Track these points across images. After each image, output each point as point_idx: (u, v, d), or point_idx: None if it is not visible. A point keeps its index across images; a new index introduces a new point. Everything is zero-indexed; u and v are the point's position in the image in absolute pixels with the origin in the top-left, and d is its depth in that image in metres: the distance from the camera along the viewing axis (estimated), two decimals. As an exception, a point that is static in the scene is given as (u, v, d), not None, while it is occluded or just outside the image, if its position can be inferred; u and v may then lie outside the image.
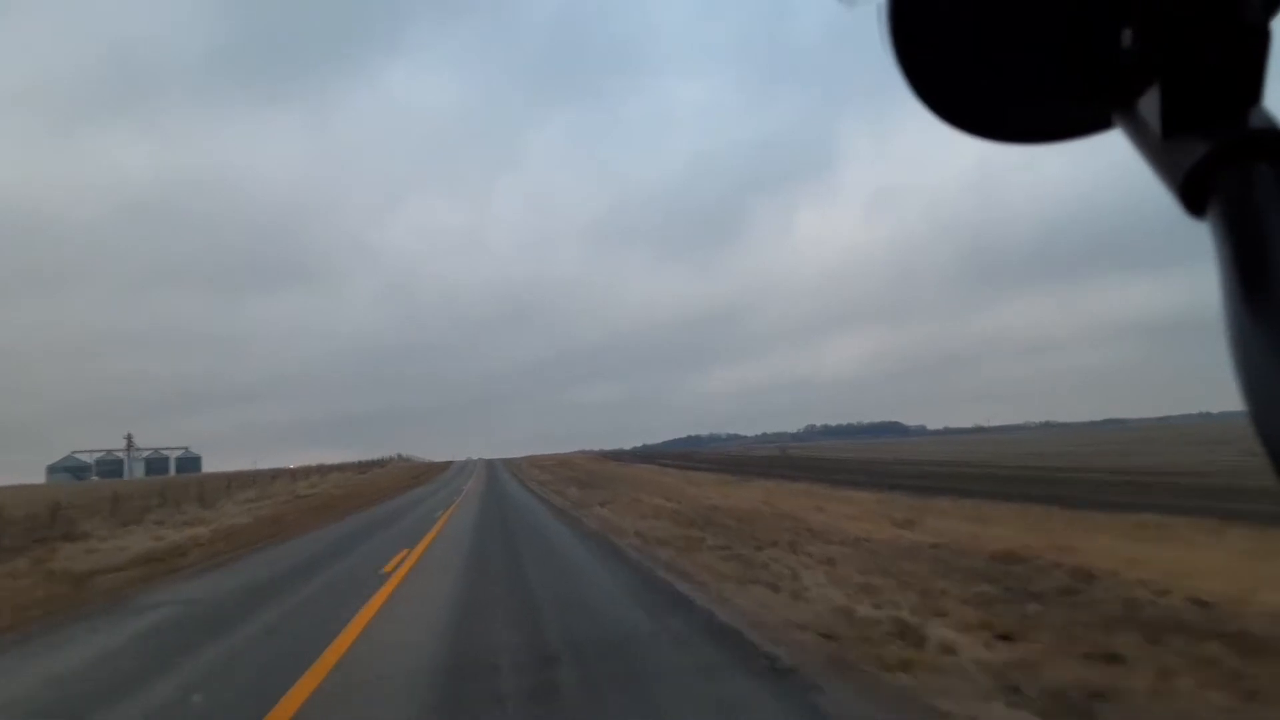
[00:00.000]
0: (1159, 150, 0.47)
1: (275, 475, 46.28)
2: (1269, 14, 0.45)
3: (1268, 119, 0.45)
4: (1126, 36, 0.48)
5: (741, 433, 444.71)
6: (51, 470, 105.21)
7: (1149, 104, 0.47)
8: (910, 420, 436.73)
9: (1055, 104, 0.54)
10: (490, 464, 74.47)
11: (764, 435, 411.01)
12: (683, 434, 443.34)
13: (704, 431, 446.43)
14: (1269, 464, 0.39)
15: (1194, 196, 0.45)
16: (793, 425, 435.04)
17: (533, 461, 78.95)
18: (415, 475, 54.16)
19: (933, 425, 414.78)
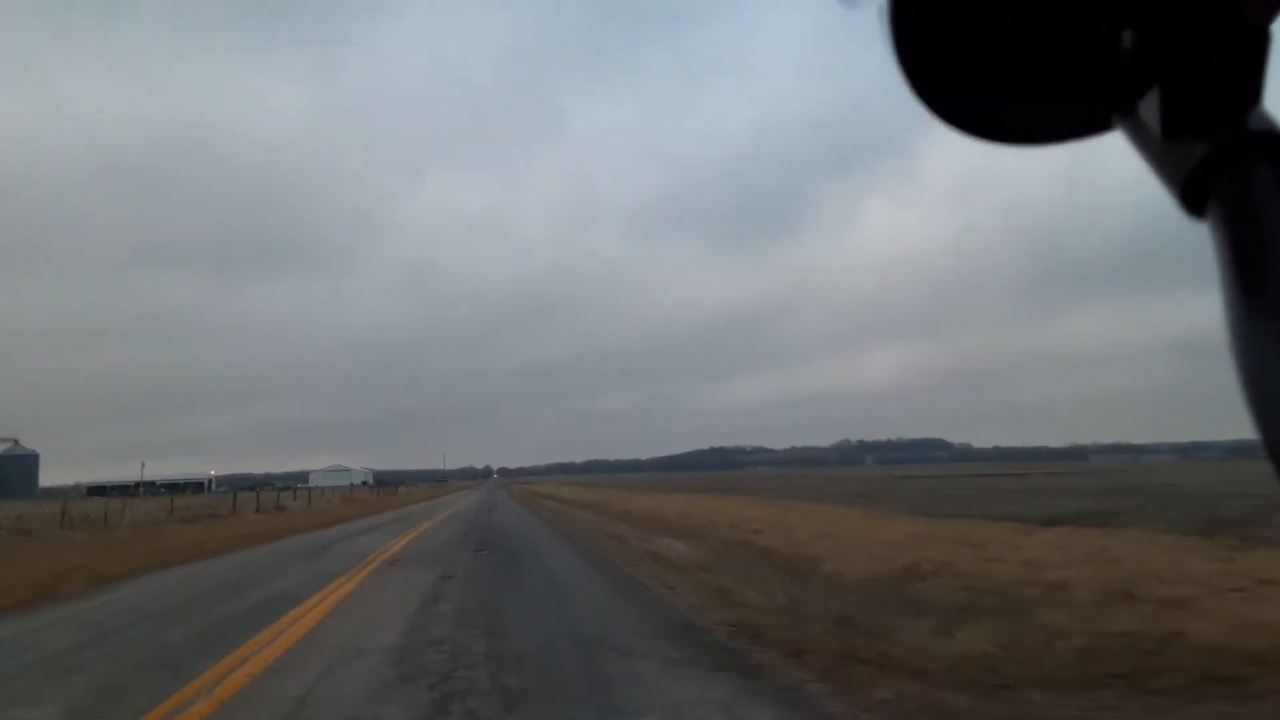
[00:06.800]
0: (1159, 151, 0.48)
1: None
2: (1269, 14, 0.46)
3: (1268, 120, 0.46)
4: (1126, 38, 0.49)
5: (769, 446, 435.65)
6: None
7: (1149, 105, 0.49)
8: (954, 437, 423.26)
9: (1055, 105, 0.55)
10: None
11: (794, 450, 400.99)
12: (705, 445, 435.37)
13: (729, 444, 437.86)
14: (1270, 463, 0.40)
15: (1194, 197, 0.47)
16: (825, 440, 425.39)
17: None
18: None
19: (979, 444, 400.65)
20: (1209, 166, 0.46)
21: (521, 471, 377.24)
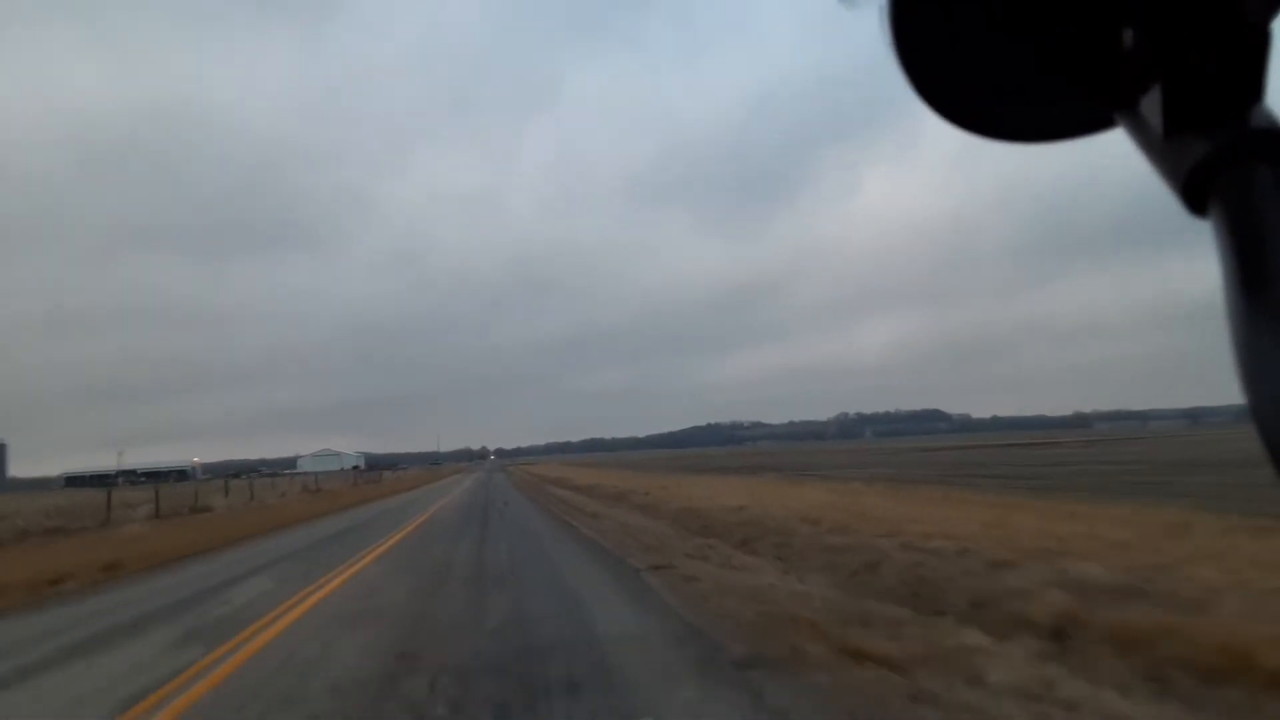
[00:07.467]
0: (1160, 150, 0.49)
1: None
2: (1269, 14, 0.47)
3: (1269, 119, 0.47)
4: (1128, 36, 0.50)
5: (766, 420, 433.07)
6: None
7: (1150, 104, 0.50)
8: (952, 408, 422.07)
9: (1057, 104, 0.56)
10: None
11: (792, 424, 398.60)
12: (703, 421, 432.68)
13: (726, 419, 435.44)
14: (1269, 460, 0.41)
15: (1195, 196, 0.47)
16: (823, 413, 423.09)
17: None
18: None
19: (977, 414, 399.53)
20: (1210, 165, 0.46)
21: (519, 452, 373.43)
